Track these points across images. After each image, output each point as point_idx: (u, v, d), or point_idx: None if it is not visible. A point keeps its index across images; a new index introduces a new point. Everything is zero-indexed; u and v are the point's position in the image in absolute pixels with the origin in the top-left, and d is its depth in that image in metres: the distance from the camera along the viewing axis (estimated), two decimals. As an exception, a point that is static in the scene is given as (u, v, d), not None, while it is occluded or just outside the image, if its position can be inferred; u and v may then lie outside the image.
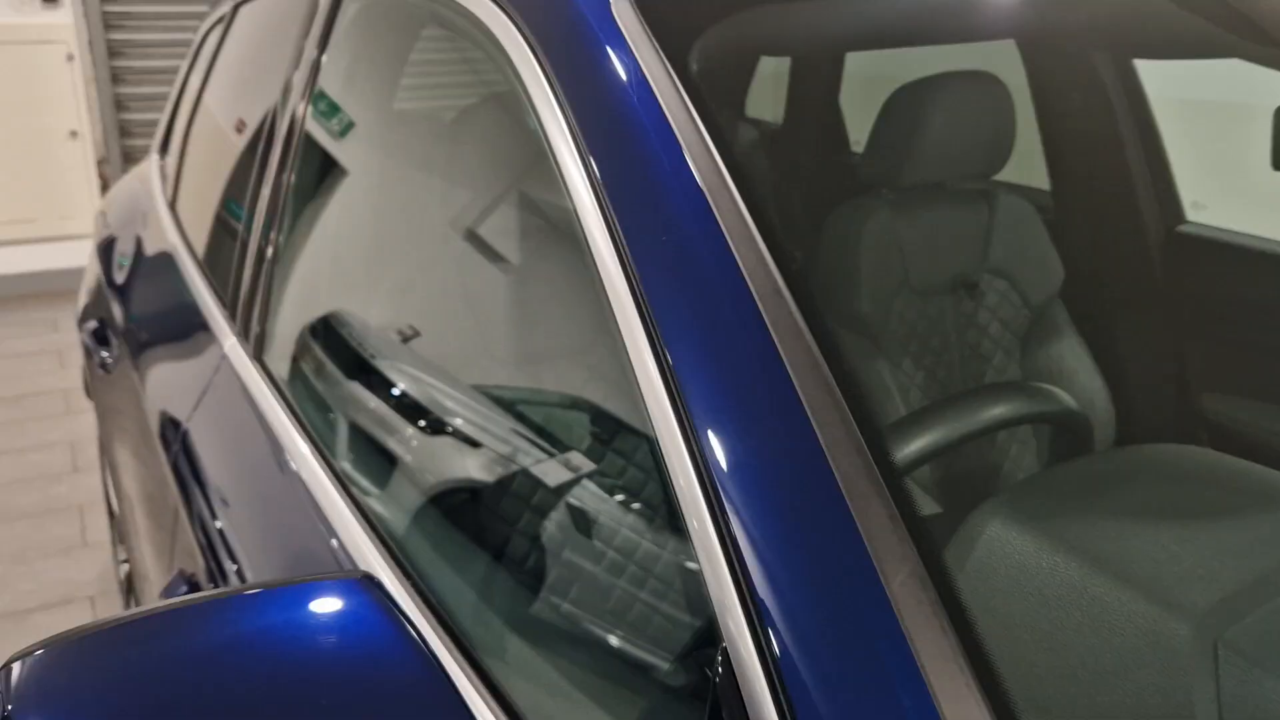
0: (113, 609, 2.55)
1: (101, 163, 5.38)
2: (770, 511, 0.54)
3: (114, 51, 5.37)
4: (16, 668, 0.47)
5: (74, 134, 5.25)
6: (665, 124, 0.69)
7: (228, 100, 1.61)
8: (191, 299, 1.36)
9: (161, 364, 1.36)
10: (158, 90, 5.55)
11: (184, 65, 2.04)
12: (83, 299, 2.10)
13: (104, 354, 1.74)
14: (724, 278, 0.62)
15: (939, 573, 0.52)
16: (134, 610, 0.55)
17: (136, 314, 1.58)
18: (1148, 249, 1.81)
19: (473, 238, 0.97)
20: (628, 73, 0.72)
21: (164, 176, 1.93)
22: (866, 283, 1.58)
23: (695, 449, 0.56)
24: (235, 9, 1.67)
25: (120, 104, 5.46)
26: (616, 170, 0.69)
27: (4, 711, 0.46)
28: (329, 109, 1.24)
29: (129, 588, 2.30)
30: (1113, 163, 1.83)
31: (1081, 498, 0.72)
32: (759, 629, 0.50)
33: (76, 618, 2.54)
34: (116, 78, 5.40)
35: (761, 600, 0.51)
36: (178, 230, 1.61)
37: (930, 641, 0.49)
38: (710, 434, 0.56)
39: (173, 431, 1.20)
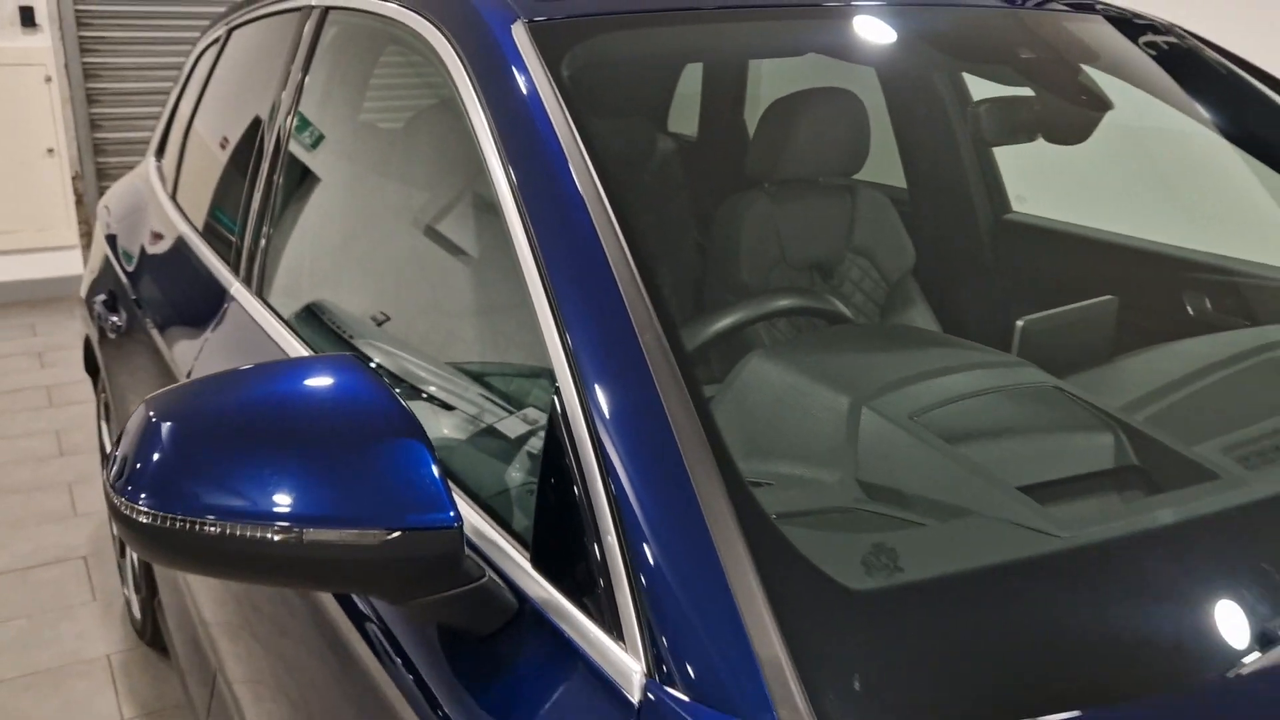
0: (105, 571, 2.84)
1: (76, 179, 5.65)
2: (605, 385, 0.83)
3: (89, 74, 5.66)
4: (148, 404, 0.81)
5: (51, 151, 5.52)
6: (550, 127, 1.02)
7: (224, 111, 1.96)
8: (199, 262, 1.71)
9: (177, 310, 1.70)
10: (131, 111, 5.84)
11: (180, 80, 2.39)
12: (88, 279, 2.43)
13: (114, 319, 2.07)
14: (591, 253, 0.91)
15: (700, 395, 0.84)
16: (208, 376, 0.88)
17: (149, 281, 1.92)
18: (981, 234, 2.20)
19: (422, 221, 1.33)
20: (525, 85, 1.07)
21: (163, 175, 2.27)
22: (747, 258, 1.94)
23: (570, 356, 0.85)
24: (229, 31, 2.03)
25: (95, 124, 5.74)
26: (524, 171, 0.99)
27: (149, 418, 0.80)
28: (311, 119, 1.59)
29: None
30: (953, 165, 2.22)
31: (821, 350, 1.08)
32: (595, 431, 0.81)
33: (72, 573, 2.83)
34: (91, 99, 5.70)
35: (597, 411, 0.82)
36: (181, 215, 1.96)
37: (687, 426, 0.81)
38: (578, 342, 0.86)
39: (190, 359, 1.54)
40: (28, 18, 5.32)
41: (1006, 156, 2.21)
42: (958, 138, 2.20)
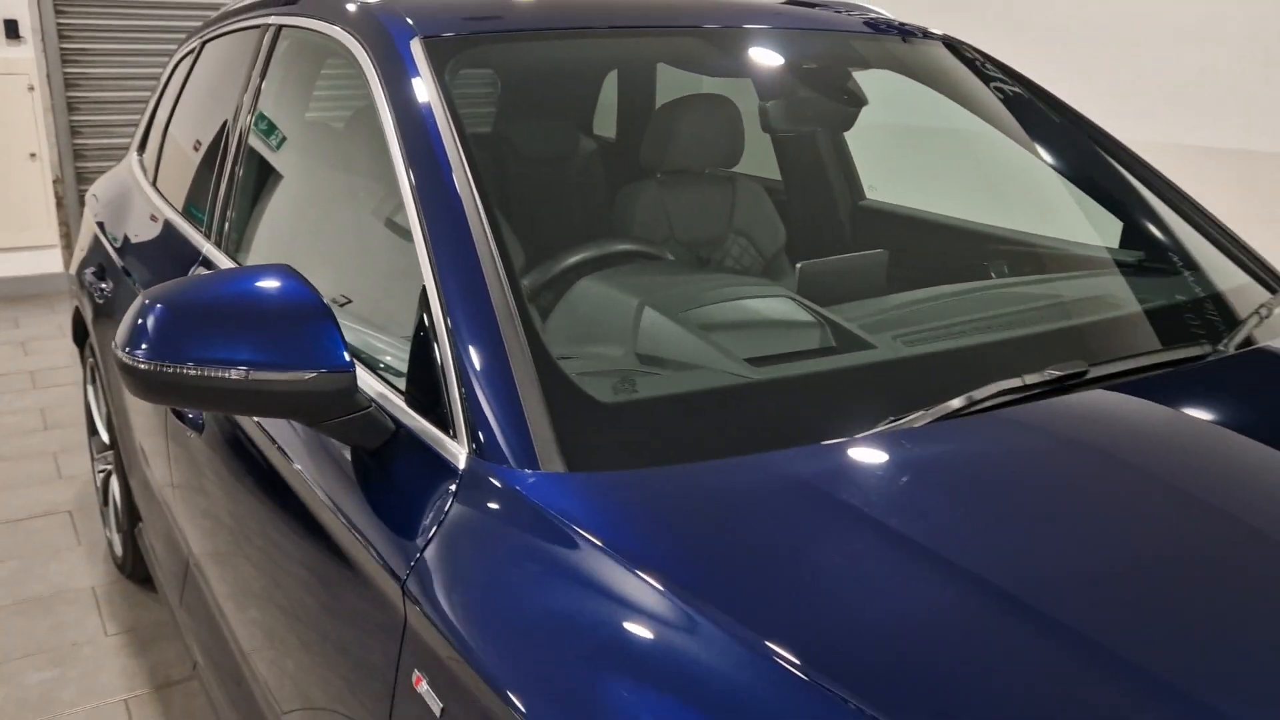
0: (89, 522, 3.19)
1: (56, 182, 5.98)
2: (455, 290, 1.21)
3: (70, 84, 6.01)
4: (145, 294, 1.18)
5: (33, 156, 5.86)
6: (433, 117, 1.40)
7: (198, 110, 2.34)
8: (178, 233, 2.08)
9: (159, 273, 2.07)
10: (109, 118, 6.19)
11: (159, 84, 2.76)
12: (77, 257, 2.79)
13: (102, 286, 2.44)
14: (456, 207, 1.29)
15: (520, 296, 1.23)
16: (187, 277, 1.25)
17: (135, 252, 2.29)
18: (840, 217, 2.62)
19: (348, 190, 1.71)
20: (417, 85, 1.45)
21: (144, 166, 2.65)
22: (640, 235, 2.33)
23: (436, 274, 1.22)
24: (203, 44, 2.42)
25: (75, 130, 6.08)
26: (412, 148, 1.36)
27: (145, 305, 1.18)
28: (268, 116, 1.97)
29: (105, 487, 2.96)
30: (818, 160, 2.63)
31: (631, 275, 1.48)
32: (446, 316, 1.22)
33: (58, 524, 3.17)
34: (72, 107, 6.04)
35: (449, 304, 1.21)
36: (161, 197, 2.33)
37: (505, 310, 1.19)
38: (442, 264, 1.24)
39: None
40: (12, 30, 5.66)
41: (859, 155, 2.62)
42: (818, 139, 2.61)
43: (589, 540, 0.95)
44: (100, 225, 2.62)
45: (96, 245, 2.59)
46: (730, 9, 2.13)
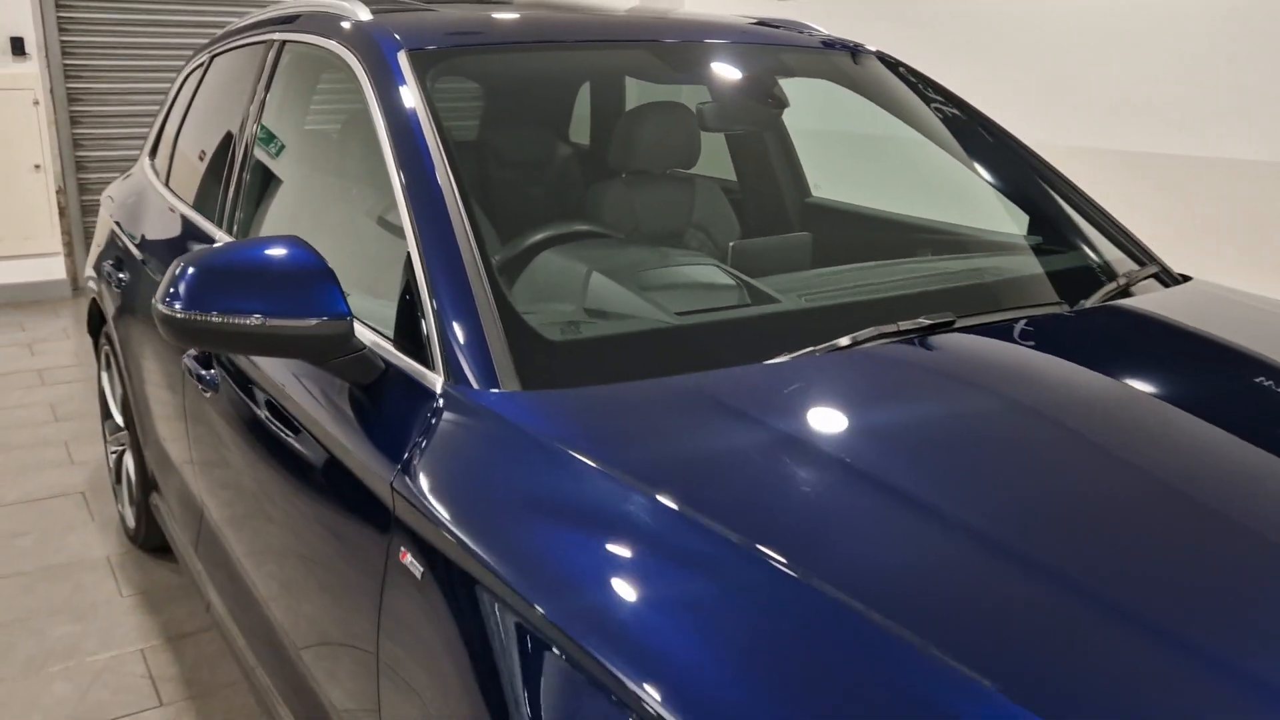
0: (101, 502, 3.43)
1: (59, 192, 6.24)
2: (435, 261, 1.49)
3: (73, 98, 6.27)
4: (179, 260, 1.44)
5: (37, 167, 6.11)
6: (417, 119, 1.66)
7: (208, 117, 2.61)
8: (191, 224, 2.34)
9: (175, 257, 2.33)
10: (110, 131, 6.45)
11: (170, 95, 3.02)
12: (94, 252, 3.05)
13: (120, 276, 2.70)
14: (437, 193, 1.56)
15: (489, 262, 1.49)
16: (214, 245, 1.51)
17: (152, 242, 2.55)
18: (789, 213, 2.89)
19: (347, 183, 1.97)
20: (404, 92, 1.71)
21: (156, 169, 2.91)
22: (609, 226, 2.59)
23: (420, 245, 1.50)
24: (212, 57, 2.68)
25: (77, 143, 6.34)
26: (401, 147, 1.63)
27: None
28: (271, 121, 2.23)
29: (119, 467, 3.20)
30: (768, 162, 2.91)
31: (584, 249, 1.75)
32: (428, 277, 1.45)
33: (73, 504, 3.42)
34: (75, 121, 6.30)
35: (430, 270, 1.47)
36: (174, 194, 2.60)
37: (475, 273, 1.45)
38: (424, 235, 1.50)
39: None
40: (18, 47, 5.93)
41: (805, 157, 2.90)
42: (768, 143, 2.89)
43: (537, 438, 1.21)
44: (117, 223, 2.88)
45: (114, 240, 2.84)
46: (687, 26, 2.41)
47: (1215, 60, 3.94)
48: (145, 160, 3.04)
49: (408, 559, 1.23)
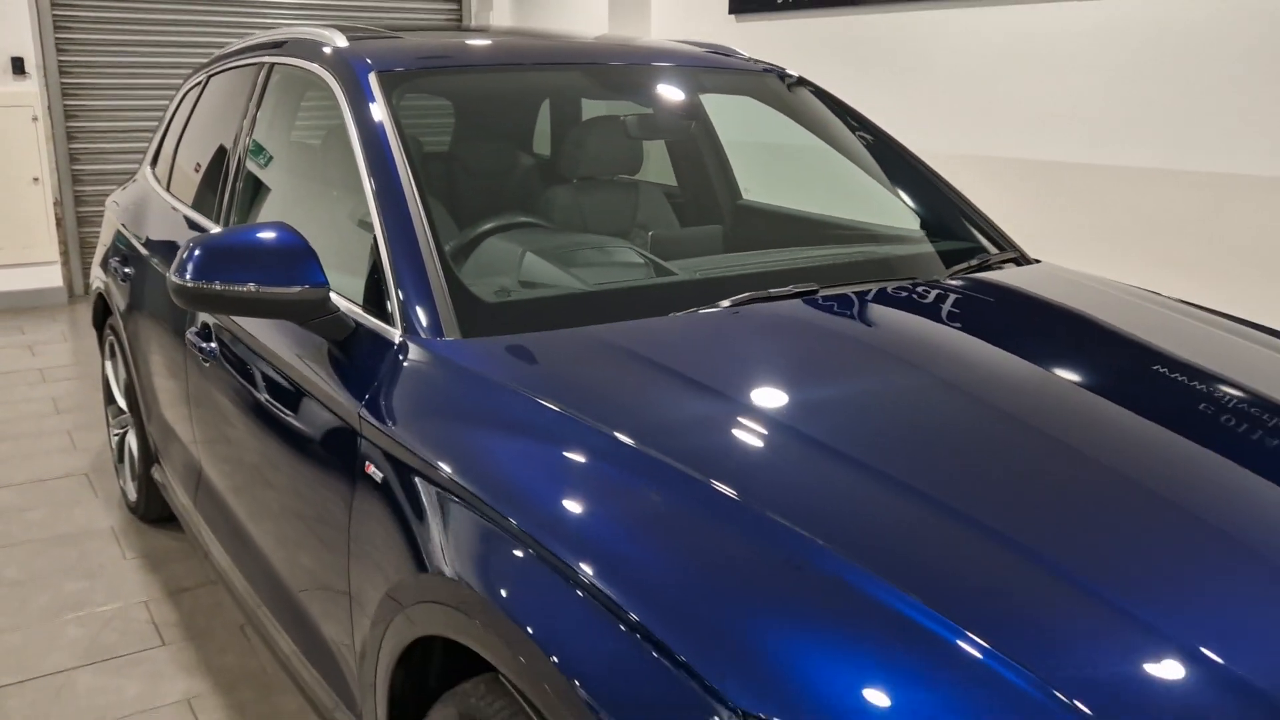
0: (104, 481, 3.75)
1: (56, 204, 6.56)
2: (395, 245, 1.84)
3: (69, 115, 6.60)
4: (189, 242, 1.79)
5: (36, 180, 6.44)
6: (384, 131, 2.02)
7: (206, 130, 2.96)
8: (193, 221, 2.70)
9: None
10: (105, 146, 6.78)
11: (169, 110, 3.38)
12: (101, 250, 3.40)
13: (127, 270, 3.04)
14: (399, 190, 1.91)
15: (440, 243, 1.84)
16: (214, 231, 1.87)
17: (156, 239, 2.90)
18: (724, 213, 3.25)
19: (327, 185, 2.32)
20: (373, 108, 2.06)
21: (158, 176, 3.25)
22: (558, 224, 2.95)
23: (385, 232, 1.85)
24: (209, 77, 3.04)
25: (73, 157, 6.67)
26: (370, 153, 1.99)
27: None
28: (262, 134, 2.58)
29: (121, 447, 3.53)
30: (704, 169, 3.27)
31: (524, 234, 2.12)
32: (390, 258, 1.80)
33: (78, 484, 3.74)
34: (71, 136, 6.63)
35: (391, 255, 1.82)
36: (176, 199, 2.94)
37: (427, 249, 1.82)
38: (387, 222, 1.86)
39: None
40: (18, 67, 6.26)
41: (736, 164, 3.27)
42: (704, 153, 3.26)
43: (470, 371, 1.56)
44: (123, 224, 3.22)
45: (120, 238, 3.19)
46: (629, 50, 2.77)
47: (1121, 81, 4.35)
48: (147, 169, 3.38)
49: (371, 469, 1.58)
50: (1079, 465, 1.36)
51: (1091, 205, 4.47)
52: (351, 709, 1.76)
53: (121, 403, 3.46)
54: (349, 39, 2.30)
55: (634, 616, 1.08)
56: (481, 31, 2.99)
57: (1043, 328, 1.88)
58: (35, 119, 6.37)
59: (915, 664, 1.00)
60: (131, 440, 3.36)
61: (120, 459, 3.57)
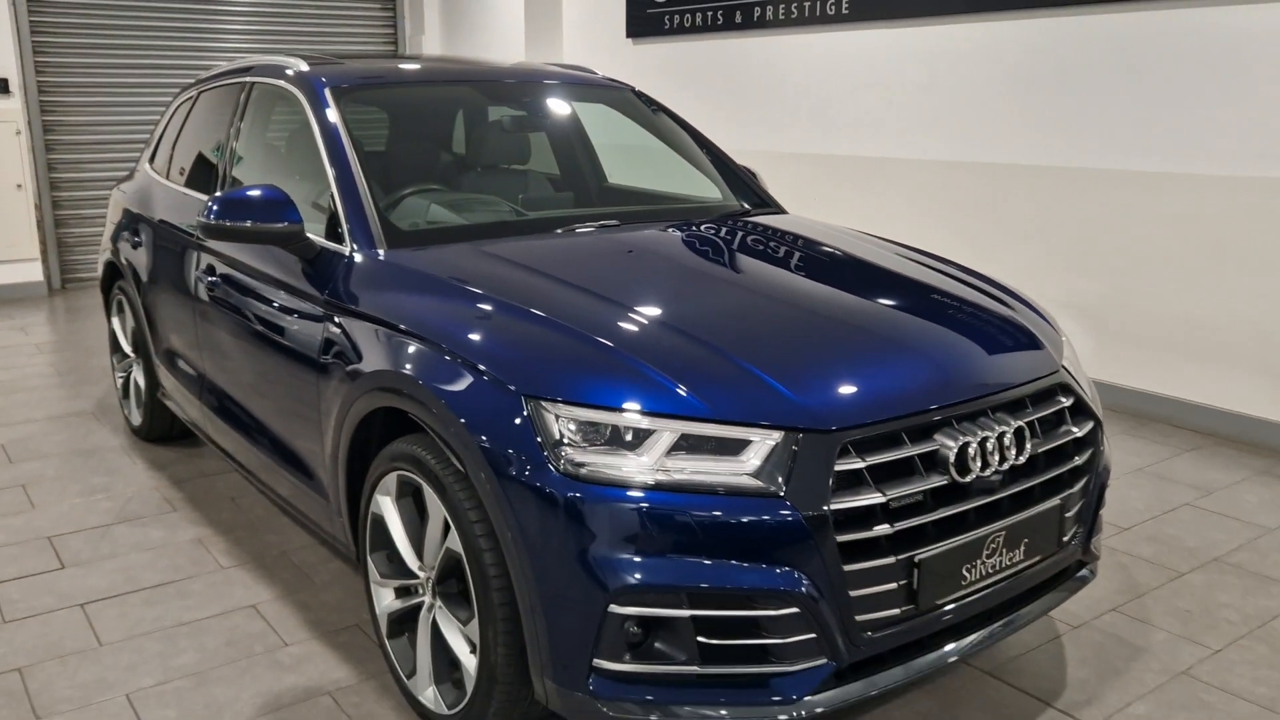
0: (109, 418, 4.67)
1: (37, 208, 7.41)
2: (348, 210, 2.86)
3: (48, 129, 7.47)
4: (209, 199, 2.77)
5: (19, 186, 7.29)
6: (337, 130, 3.02)
7: (200, 133, 3.93)
8: (193, 198, 3.68)
9: (183, 219, 3.64)
10: (80, 157, 7.65)
11: (165, 118, 4.34)
12: (110, 227, 4.36)
13: (137, 239, 4.00)
14: (350, 172, 2.91)
15: (379, 205, 2.86)
16: (227, 191, 2.86)
17: (165, 212, 3.87)
18: (593, 194, 4.30)
19: (294, 175, 3.31)
20: (328, 113, 3.06)
21: (157, 170, 4.22)
22: (471, 209, 3.97)
23: (342, 198, 2.86)
24: (200, 92, 4.02)
25: (51, 166, 7.54)
26: (328, 147, 2.98)
27: None
28: (243, 136, 3.57)
29: (126, 385, 4.47)
30: (578, 160, 4.32)
31: (437, 195, 3.14)
32: (342, 209, 2.83)
33: (88, 418, 4.65)
34: (49, 148, 7.50)
35: (343, 210, 2.83)
36: (177, 184, 3.92)
37: (370, 210, 2.82)
38: (343, 196, 2.86)
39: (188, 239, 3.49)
40: (3, 86, 7.12)
41: (603, 157, 4.32)
42: (577, 148, 4.30)
43: (394, 264, 2.59)
44: (130, 206, 4.19)
45: (129, 215, 4.16)
46: (509, 71, 3.80)
47: (923, 91, 5.51)
48: (146, 165, 4.35)
49: (332, 327, 2.59)
50: (750, 292, 2.43)
51: (906, 191, 5.62)
52: (321, 494, 2.76)
53: (127, 348, 4.40)
54: (309, 64, 3.31)
55: (489, 373, 2.11)
56: (411, 58, 4.01)
57: (767, 238, 2.95)
58: (19, 132, 7.22)
59: (619, 377, 2.04)
60: (137, 375, 4.31)
61: (125, 395, 4.50)
